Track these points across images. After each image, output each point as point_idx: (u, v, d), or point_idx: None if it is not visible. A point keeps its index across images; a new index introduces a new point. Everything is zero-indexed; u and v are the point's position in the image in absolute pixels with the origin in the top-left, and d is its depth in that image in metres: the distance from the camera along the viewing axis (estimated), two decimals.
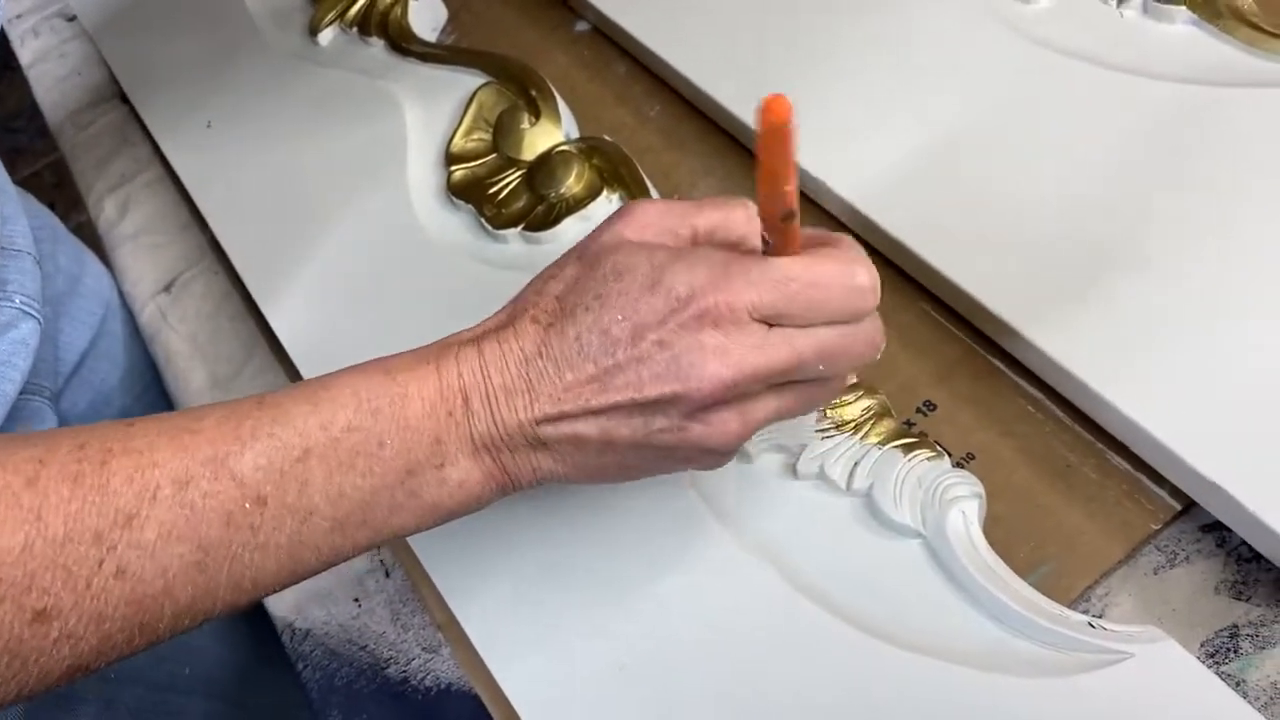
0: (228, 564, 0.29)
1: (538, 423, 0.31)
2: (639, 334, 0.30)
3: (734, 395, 0.30)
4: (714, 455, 0.32)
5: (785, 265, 0.30)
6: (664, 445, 0.31)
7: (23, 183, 0.58)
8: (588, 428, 0.31)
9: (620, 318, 0.30)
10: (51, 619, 0.27)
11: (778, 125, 0.27)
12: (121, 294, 0.64)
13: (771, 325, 0.30)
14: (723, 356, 0.29)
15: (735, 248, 0.32)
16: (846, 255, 0.31)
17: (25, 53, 0.77)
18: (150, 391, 0.66)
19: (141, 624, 0.28)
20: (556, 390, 0.30)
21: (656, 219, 0.32)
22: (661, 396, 0.30)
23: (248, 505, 0.29)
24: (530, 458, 0.32)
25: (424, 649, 0.44)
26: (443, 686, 0.42)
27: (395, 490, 0.31)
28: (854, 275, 0.30)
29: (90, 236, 0.66)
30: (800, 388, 0.32)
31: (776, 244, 0.30)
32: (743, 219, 0.33)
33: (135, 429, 0.29)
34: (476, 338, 0.32)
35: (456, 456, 0.31)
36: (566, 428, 0.31)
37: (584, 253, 0.32)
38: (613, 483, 0.34)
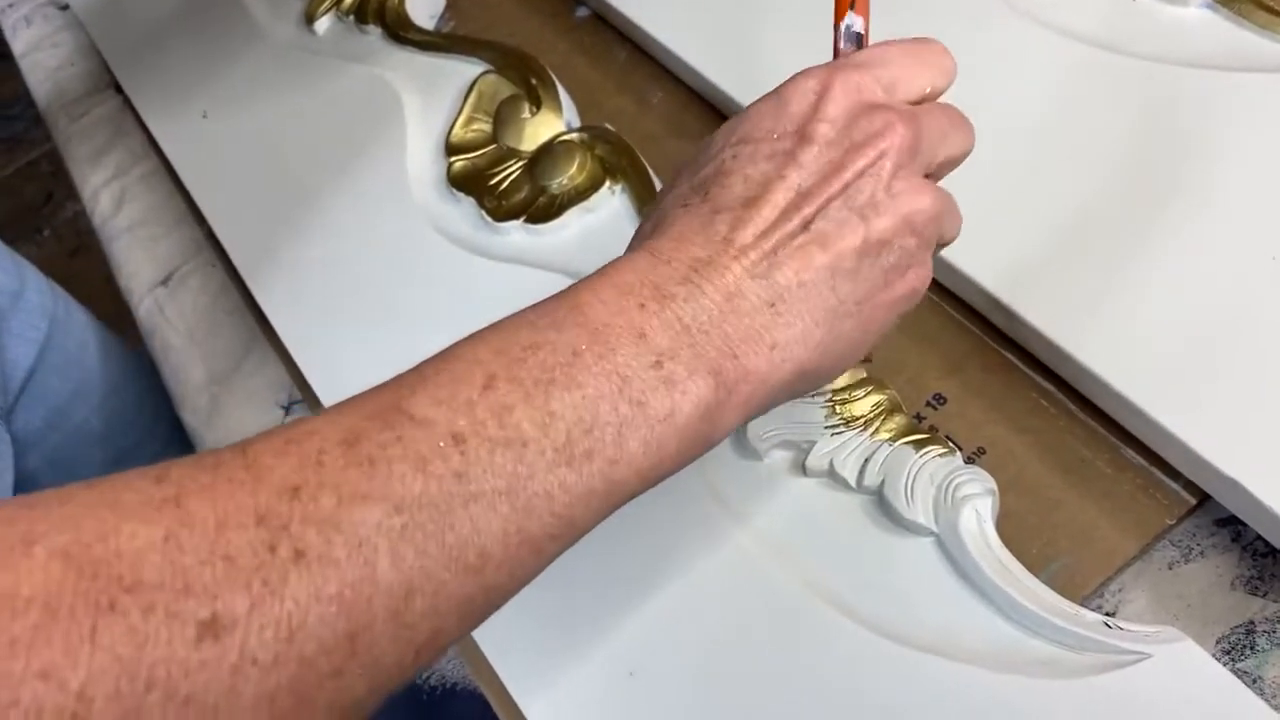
0: (439, 526, 0.22)
1: (754, 267, 0.27)
2: (804, 133, 0.28)
3: (916, 148, 0.28)
4: (925, 250, 0.29)
5: (874, 45, 0.31)
6: (884, 237, 0.28)
7: (19, 171, 0.58)
8: (809, 249, 0.27)
9: (776, 136, 0.28)
10: (224, 631, 0.19)
11: None
12: (70, 306, 0.64)
13: None
14: (887, 111, 0.28)
15: None
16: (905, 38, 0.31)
17: (18, 42, 0.77)
18: (113, 398, 0.65)
19: (350, 635, 0.21)
20: (758, 225, 0.27)
21: None
22: (867, 162, 0.27)
23: (442, 444, 0.23)
24: (761, 329, 0.26)
25: None
26: (449, 686, 0.42)
27: (615, 401, 0.24)
28: (927, 40, 0.31)
29: (89, 224, 0.66)
30: (950, 138, 0.31)
31: (865, 30, 0.33)
32: None
33: (274, 428, 0.24)
34: (629, 251, 0.28)
35: (672, 349, 0.25)
36: (788, 259, 0.27)
37: (687, 161, 0.30)
38: (856, 351, 0.29)
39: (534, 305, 0.26)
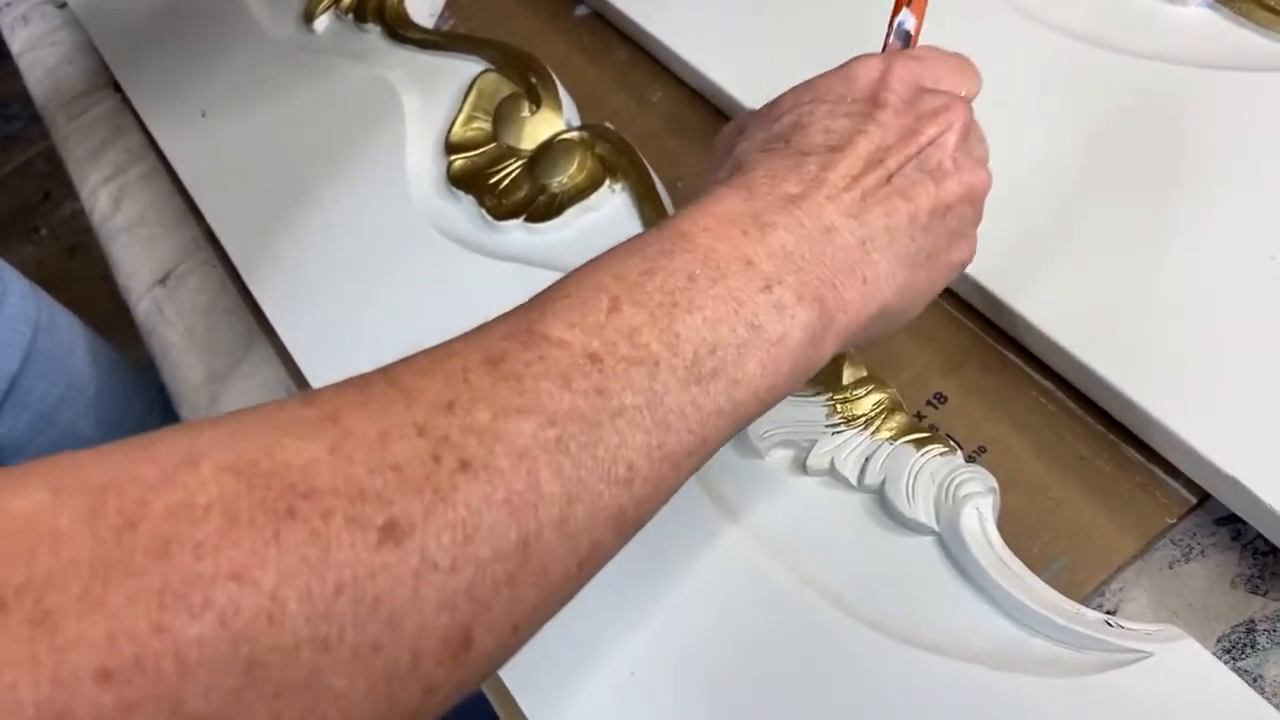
0: (590, 438, 0.23)
1: (848, 209, 0.28)
2: (877, 97, 0.30)
3: (971, 121, 0.31)
4: (976, 221, 0.32)
5: (919, 47, 0.33)
6: (951, 201, 0.30)
7: (17, 170, 0.58)
8: (895, 199, 0.29)
9: (850, 99, 0.30)
10: (403, 535, 0.20)
11: None
12: (53, 310, 0.64)
13: None
14: (946, 95, 0.31)
15: None
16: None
17: (15, 40, 0.76)
18: (99, 402, 0.65)
19: (521, 540, 0.21)
20: (846, 169, 0.28)
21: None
22: (938, 129, 0.30)
23: (581, 363, 0.23)
24: (855, 263, 0.27)
25: None
26: None
27: (734, 323, 0.25)
28: (957, 54, 0.34)
29: (86, 223, 0.66)
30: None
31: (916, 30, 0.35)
32: None
33: (411, 354, 0.24)
34: (714, 184, 0.29)
35: (778, 276, 0.26)
36: (875, 205, 0.28)
37: (750, 117, 0.32)
38: (926, 298, 0.31)
39: (632, 239, 0.27)
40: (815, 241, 0.27)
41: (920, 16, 0.35)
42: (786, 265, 0.26)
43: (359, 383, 0.22)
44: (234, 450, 0.20)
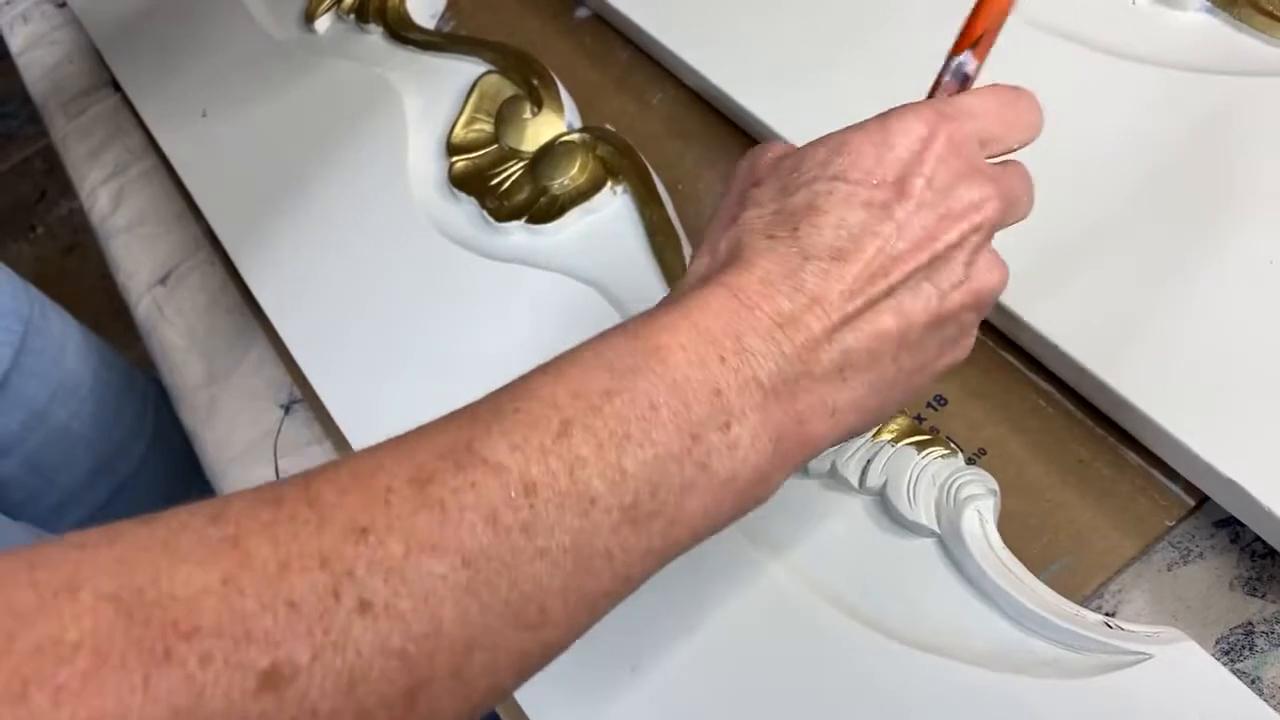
0: (504, 582, 0.22)
1: (836, 330, 0.26)
2: (903, 186, 0.27)
3: (1001, 222, 0.28)
4: (976, 324, 0.30)
5: (977, 92, 0.30)
6: (952, 312, 0.28)
7: (14, 168, 0.58)
8: (885, 321, 0.27)
9: (875, 182, 0.27)
10: (285, 682, 0.19)
11: None
12: (45, 307, 0.64)
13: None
14: (990, 177, 0.28)
15: None
16: (1004, 85, 0.30)
17: (15, 39, 0.76)
18: (91, 401, 0.65)
19: (409, 692, 0.20)
20: (847, 284, 0.26)
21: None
22: (959, 236, 0.27)
23: (513, 494, 0.22)
24: (827, 393, 0.26)
25: None
26: None
27: (683, 462, 0.24)
28: (1022, 94, 0.30)
29: (83, 222, 0.66)
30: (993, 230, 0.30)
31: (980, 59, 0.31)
32: None
33: (338, 460, 0.23)
34: (705, 279, 0.27)
35: (743, 411, 0.25)
36: (866, 327, 0.26)
37: (755, 178, 0.29)
38: (895, 408, 0.29)
39: (610, 336, 0.26)
40: (794, 374, 0.26)
41: (982, 59, 0.31)
42: (754, 398, 0.25)
43: (273, 496, 0.21)
44: (120, 577, 0.19)
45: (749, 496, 0.26)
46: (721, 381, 0.25)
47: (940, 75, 0.31)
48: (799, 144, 0.29)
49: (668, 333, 0.25)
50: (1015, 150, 0.30)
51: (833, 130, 0.29)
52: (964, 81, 0.31)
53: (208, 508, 0.21)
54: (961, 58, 0.31)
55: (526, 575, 0.22)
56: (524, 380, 0.25)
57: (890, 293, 0.27)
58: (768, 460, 0.26)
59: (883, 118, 0.28)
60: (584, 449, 0.23)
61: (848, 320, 0.26)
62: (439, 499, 0.21)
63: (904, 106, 0.28)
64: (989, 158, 0.29)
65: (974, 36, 0.31)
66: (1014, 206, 0.29)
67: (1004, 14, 0.31)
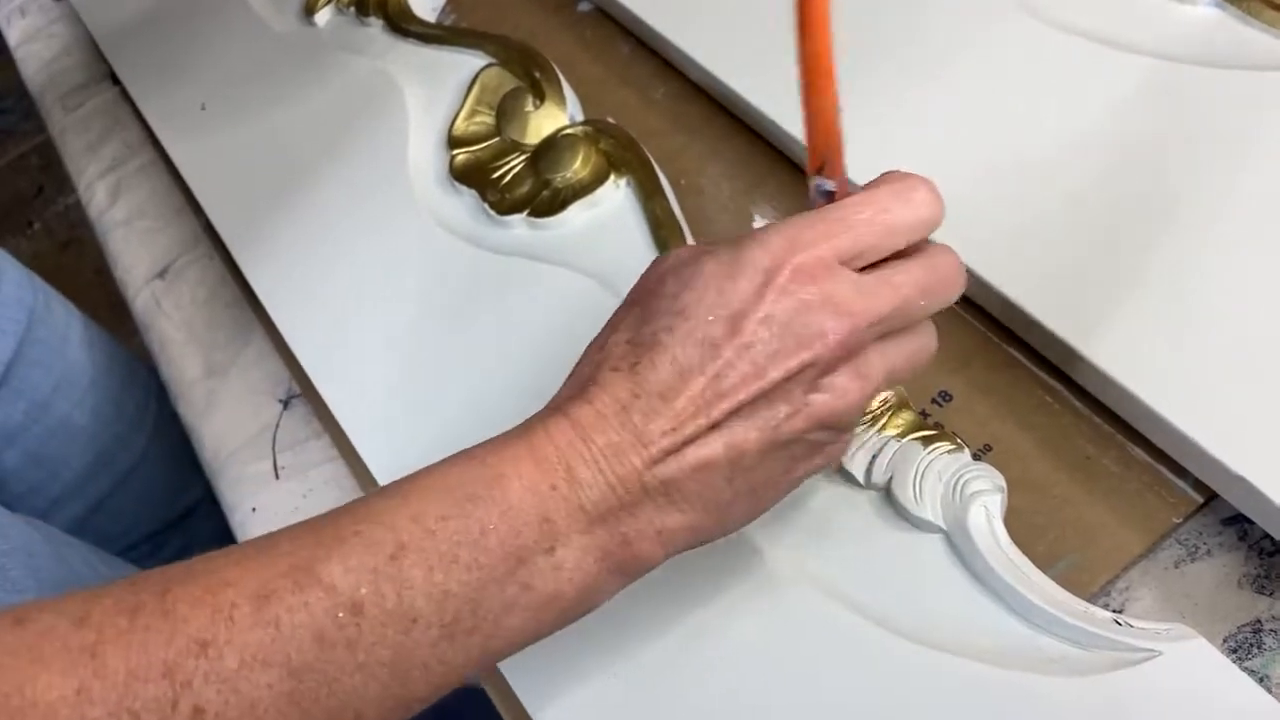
0: (324, 693, 0.25)
1: (656, 462, 0.28)
2: (737, 323, 0.28)
3: (852, 350, 0.28)
4: (839, 435, 0.30)
5: (845, 204, 0.29)
6: (791, 436, 0.29)
7: (10, 164, 0.57)
8: (711, 449, 0.28)
9: (710, 319, 0.28)
10: None
11: (817, 5, 0.28)
12: (49, 297, 0.64)
13: (862, 270, 0.29)
14: (833, 309, 0.28)
15: None
16: (901, 176, 0.30)
17: (12, 33, 0.76)
18: (93, 392, 0.65)
19: None
20: (668, 422, 0.28)
21: (697, 249, 0.31)
22: (786, 373, 0.28)
23: (342, 615, 0.25)
24: (652, 517, 0.28)
25: None
26: None
27: (505, 584, 0.27)
28: (912, 189, 0.29)
29: (79, 218, 0.65)
30: (904, 339, 0.30)
31: (831, 163, 0.30)
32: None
33: (193, 562, 0.26)
34: (556, 408, 0.29)
35: (569, 535, 0.28)
36: (690, 457, 0.28)
37: (635, 296, 0.31)
38: (738, 524, 0.31)
39: (461, 461, 0.28)
40: (617, 501, 0.28)
41: (838, 174, 0.31)
42: (579, 523, 0.28)
43: (133, 604, 0.24)
44: None
45: (575, 610, 0.29)
46: (551, 509, 0.27)
47: (810, 195, 0.31)
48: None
49: (510, 464, 0.28)
50: (909, 248, 0.30)
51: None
52: (830, 196, 0.31)
53: (76, 607, 0.24)
54: (817, 180, 0.31)
55: (346, 686, 0.25)
56: (372, 501, 0.28)
57: (716, 426, 0.28)
58: (593, 579, 0.28)
59: (736, 247, 0.29)
60: (414, 571, 0.26)
61: (667, 453, 0.28)
62: (275, 616, 0.25)
63: (758, 234, 0.29)
64: (869, 264, 0.29)
65: (817, 163, 0.30)
66: (893, 318, 0.29)
67: (834, 134, 0.30)
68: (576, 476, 0.28)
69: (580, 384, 0.30)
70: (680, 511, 0.29)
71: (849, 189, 0.31)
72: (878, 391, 0.30)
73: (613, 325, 0.31)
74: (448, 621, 0.26)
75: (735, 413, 0.28)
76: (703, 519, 0.29)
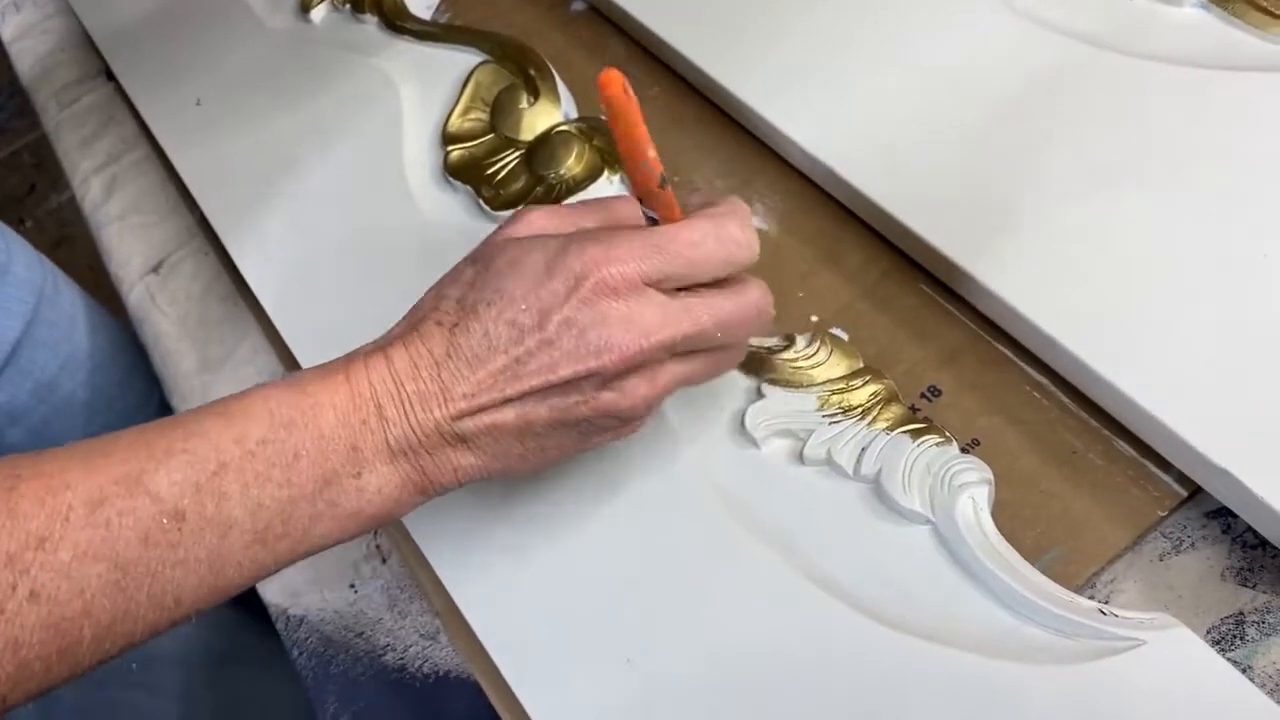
0: (147, 582, 0.28)
1: (454, 419, 0.31)
2: (544, 318, 0.31)
3: (639, 364, 0.31)
4: (627, 423, 0.33)
5: (663, 230, 0.32)
6: (579, 418, 0.32)
7: (2, 162, 0.57)
8: (504, 415, 0.32)
9: (524, 307, 0.31)
10: None
11: (615, 97, 0.31)
12: (59, 280, 0.64)
13: (670, 294, 0.32)
14: (627, 326, 0.31)
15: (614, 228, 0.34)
16: (721, 211, 0.33)
17: (7, 28, 0.76)
18: (98, 374, 0.65)
19: (60, 649, 0.28)
20: (470, 386, 0.31)
21: (545, 221, 0.34)
22: (575, 374, 0.31)
23: (165, 521, 0.29)
24: (449, 456, 0.32)
25: (422, 636, 0.43)
26: (441, 674, 0.42)
27: (314, 500, 0.31)
28: (725, 228, 0.32)
29: (71, 215, 0.65)
30: (703, 356, 0.33)
31: (659, 214, 0.33)
32: (625, 209, 0.35)
33: (45, 455, 0.29)
34: (382, 347, 0.33)
35: (374, 463, 0.31)
36: (484, 419, 0.32)
37: (478, 256, 0.33)
38: (531, 470, 0.34)
39: (282, 386, 0.32)
40: (418, 441, 0.32)
41: (666, 211, 0.33)
42: (384, 455, 0.31)
43: None
44: None
45: (377, 521, 0.32)
46: (359, 439, 0.31)
47: (645, 209, 0.34)
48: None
49: (326, 392, 0.31)
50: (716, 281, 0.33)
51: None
52: (654, 221, 0.33)
53: None
54: (639, 208, 0.34)
55: (166, 577, 0.29)
56: (201, 416, 0.31)
57: (509, 401, 0.31)
58: (394, 501, 0.32)
59: (563, 244, 0.32)
60: (232, 486, 0.30)
61: (464, 413, 0.31)
62: (105, 519, 0.28)
63: (581, 239, 0.32)
64: (681, 287, 0.32)
65: (638, 196, 0.33)
66: (687, 343, 0.32)
67: (643, 185, 0.32)
68: (385, 414, 0.31)
69: (411, 324, 0.33)
70: (474, 455, 0.32)
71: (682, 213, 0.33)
72: (668, 393, 0.33)
73: (456, 272, 0.34)
74: (260, 529, 0.30)
75: (529, 394, 0.31)
76: (493, 463, 0.33)
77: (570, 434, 0.33)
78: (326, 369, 0.32)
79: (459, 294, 0.33)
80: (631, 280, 0.31)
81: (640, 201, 0.34)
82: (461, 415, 0.31)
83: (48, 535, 0.27)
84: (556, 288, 0.31)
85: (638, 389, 0.32)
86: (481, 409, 0.31)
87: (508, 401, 0.31)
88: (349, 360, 0.33)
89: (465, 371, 0.31)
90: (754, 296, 0.33)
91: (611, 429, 0.33)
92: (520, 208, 0.36)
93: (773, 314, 0.34)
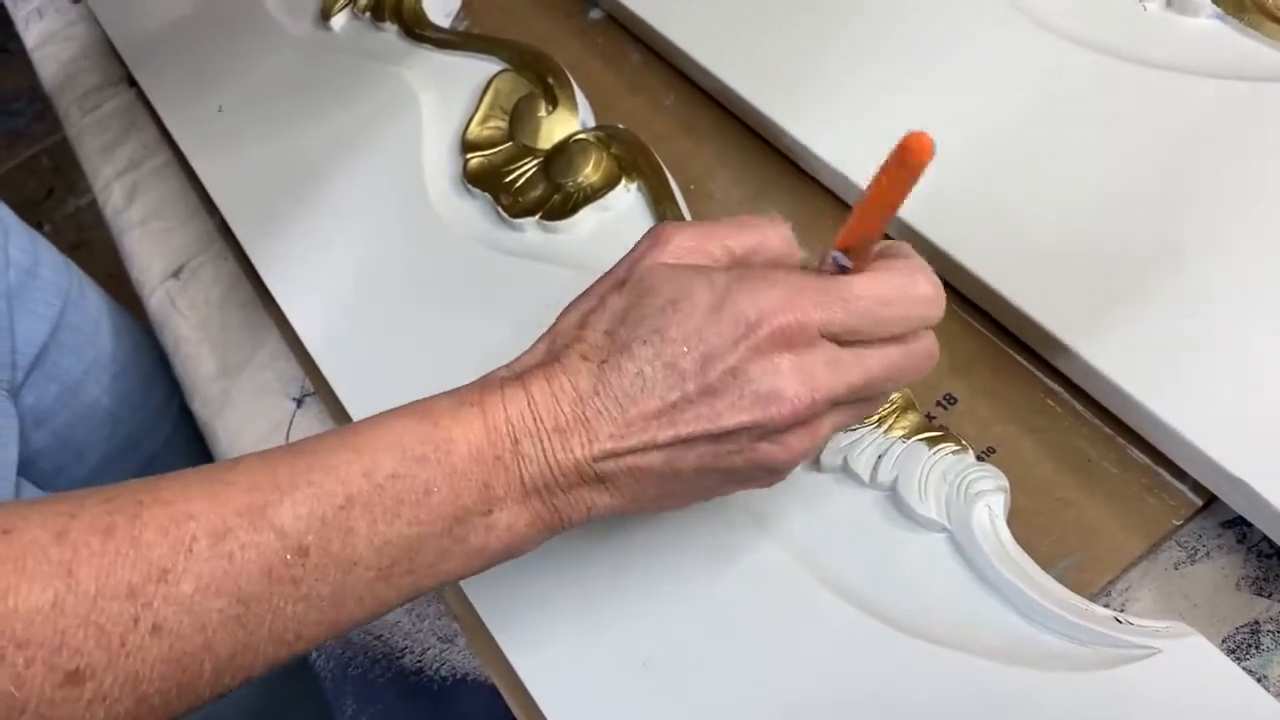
0: (269, 618, 0.27)
1: (596, 460, 0.30)
2: (708, 363, 0.29)
3: (807, 418, 0.29)
4: (777, 474, 0.31)
5: (852, 283, 0.30)
6: (729, 467, 0.30)
7: (20, 165, 0.58)
8: (650, 460, 0.30)
9: (685, 349, 0.29)
10: (84, 680, 0.25)
11: (917, 164, 0.27)
12: (84, 284, 0.64)
13: (842, 344, 0.30)
14: (800, 378, 0.29)
15: (775, 267, 0.32)
16: (909, 266, 0.30)
17: (30, 35, 0.77)
18: (121, 379, 0.66)
19: (180, 684, 0.27)
20: (617, 427, 0.29)
21: (692, 242, 0.32)
22: (739, 426, 0.29)
23: (289, 557, 0.27)
24: (584, 495, 0.31)
25: (439, 638, 0.43)
26: (458, 676, 0.42)
27: (442, 538, 0.29)
28: (918, 286, 0.30)
29: (89, 220, 0.66)
30: (863, 403, 0.32)
31: (854, 264, 0.30)
32: (778, 240, 0.32)
33: (164, 482, 0.28)
34: (519, 376, 0.31)
35: (506, 501, 0.30)
36: (629, 461, 0.30)
37: (624, 280, 0.31)
38: (662, 511, 0.32)
39: (411, 417, 0.30)
40: (555, 482, 0.30)
41: (860, 267, 0.30)
42: (517, 493, 0.30)
43: (106, 526, 0.26)
44: None
45: (502, 557, 0.31)
46: (492, 478, 0.30)
47: (823, 255, 0.31)
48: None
49: (460, 425, 0.30)
50: (899, 338, 0.31)
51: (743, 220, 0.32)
52: (844, 270, 0.31)
53: (56, 522, 0.26)
54: (834, 254, 0.31)
55: (289, 613, 0.28)
56: (326, 446, 0.29)
57: (659, 446, 0.29)
58: (522, 538, 0.31)
59: (730, 284, 0.29)
60: (359, 522, 0.28)
61: (609, 454, 0.30)
62: (229, 552, 0.27)
63: (751, 280, 0.29)
64: (855, 342, 0.30)
65: (845, 246, 0.30)
66: (857, 394, 0.30)
67: (871, 239, 0.30)
68: (521, 451, 0.30)
69: (550, 355, 0.31)
70: (610, 495, 0.31)
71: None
72: (823, 445, 0.31)
73: (600, 300, 0.31)
74: (385, 566, 0.29)
75: (682, 441, 0.29)
76: (629, 504, 0.31)
77: (713, 480, 0.31)
78: (458, 398, 0.31)
79: (607, 326, 0.30)
80: (809, 333, 0.29)
81: (841, 245, 0.30)
82: (605, 456, 0.29)
83: (170, 567, 0.26)
84: (724, 330, 0.29)
85: (799, 442, 0.30)
86: (630, 451, 0.29)
87: (657, 447, 0.29)
88: (483, 389, 0.31)
89: (614, 411, 0.29)
90: (926, 345, 0.31)
91: (758, 480, 0.32)
92: (657, 224, 0.33)
93: (938, 357, 0.32)
